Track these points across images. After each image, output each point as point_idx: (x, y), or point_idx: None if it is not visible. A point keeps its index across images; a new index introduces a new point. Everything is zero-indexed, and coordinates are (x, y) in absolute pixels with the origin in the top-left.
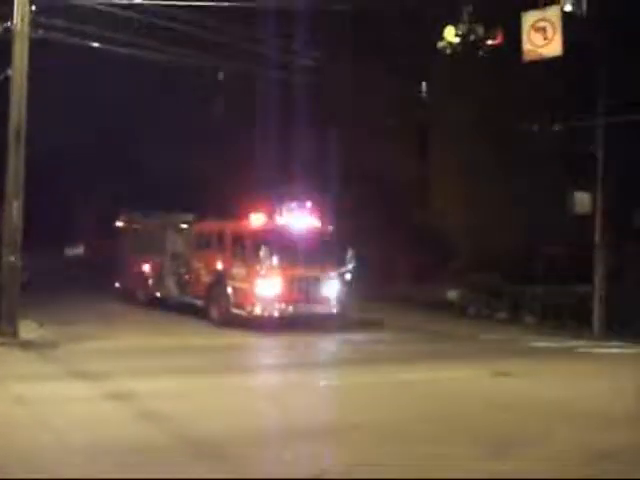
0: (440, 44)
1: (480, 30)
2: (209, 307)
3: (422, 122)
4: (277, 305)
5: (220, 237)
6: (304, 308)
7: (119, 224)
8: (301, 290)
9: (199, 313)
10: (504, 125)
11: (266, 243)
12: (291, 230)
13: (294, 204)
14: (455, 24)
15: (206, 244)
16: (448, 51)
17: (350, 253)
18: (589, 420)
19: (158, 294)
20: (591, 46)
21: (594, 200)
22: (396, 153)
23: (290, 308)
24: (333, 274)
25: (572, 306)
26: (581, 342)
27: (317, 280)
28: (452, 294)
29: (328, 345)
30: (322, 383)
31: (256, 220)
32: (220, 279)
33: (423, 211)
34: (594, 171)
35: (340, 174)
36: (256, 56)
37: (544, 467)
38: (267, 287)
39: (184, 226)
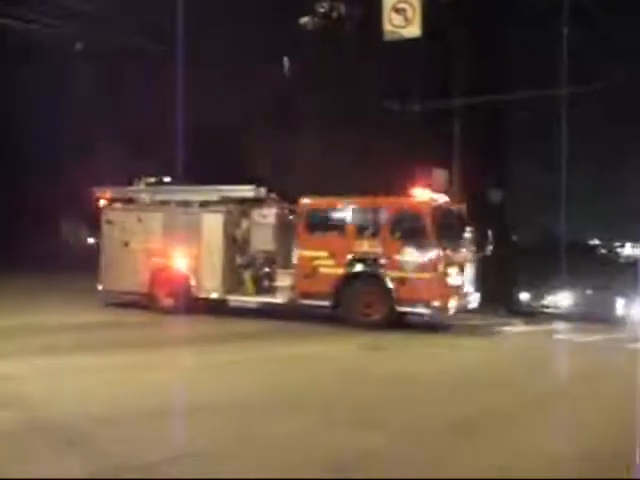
0: (302, 20)
1: (342, 8)
2: (349, 307)
3: (285, 98)
4: (466, 297)
5: (374, 218)
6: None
7: (109, 202)
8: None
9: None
10: (365, 104)
11: (439, 224)
12: (449, 208)
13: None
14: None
15: (331, 227)
16: (310, 27)
17: (490, 234)
18: (451, 391)
19: (207, 295)
20: (450, 29)
21: (451, 178)
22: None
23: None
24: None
25: None
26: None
27: (469, 267)
28: None
29: None
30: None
31: (422, 196)
32: (367, 271)
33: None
34: (451, 151)
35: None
36: None
37: (401, 437)
38: (456, 277)
39: (283, 205)
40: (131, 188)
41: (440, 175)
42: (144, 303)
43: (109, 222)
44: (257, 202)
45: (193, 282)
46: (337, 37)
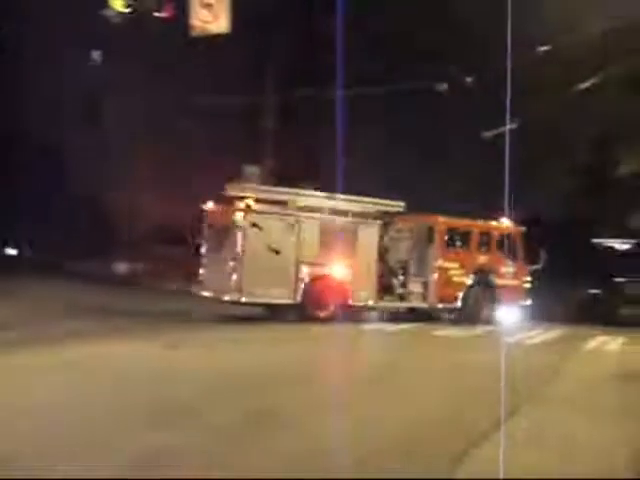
0: (106, 12)
1: (150, 2)
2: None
3: (95, 92)
4: None
5: (487, 238)
6: None
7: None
8: None
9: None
10: (177, 99)
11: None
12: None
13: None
14: None
15: (461, 243)
16: (116, 20)
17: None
18: (251, 389)
19: (361, 303)
20: (267, 23)
21: (264, 173)
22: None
23: None
24: None
25: None
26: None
27: None
28: (123, 267)
29: None
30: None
31: (507, 222)
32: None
33: (98, 184)
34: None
35: None
36: None
37: (199, 438)
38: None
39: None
40: (283, 189)
41: (251, 171)
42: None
43: (254, 226)
44: (394, 215)
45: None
46: (147, 31)
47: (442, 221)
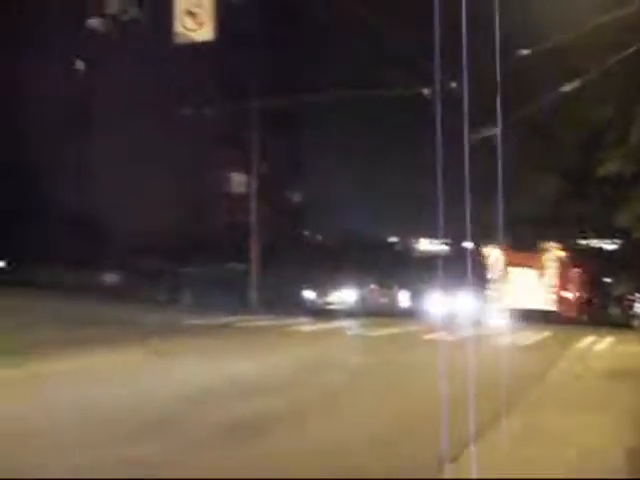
0: (91, 22)
1: (134, 11)
2: None
3: (79, 102)
4: None
5: None
6: None
7: None
8: None
9: None
10: (162, 108)
11: None
12: None
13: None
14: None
15: None
16: (102, 29)
17: None
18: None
19: None
20: (249, 32)
21: (250, 181)
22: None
23: None
24: None
25: (229, 284)
26: (237, 317)
27: None
28: (111, 278)
29: None
30: None
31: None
32: None
33: (79, 196)
34: (250, 154)
35: None
36: None
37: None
38: None
39: None
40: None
41: (238, 179)
42: None
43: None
44: None
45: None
46: (130, 39)
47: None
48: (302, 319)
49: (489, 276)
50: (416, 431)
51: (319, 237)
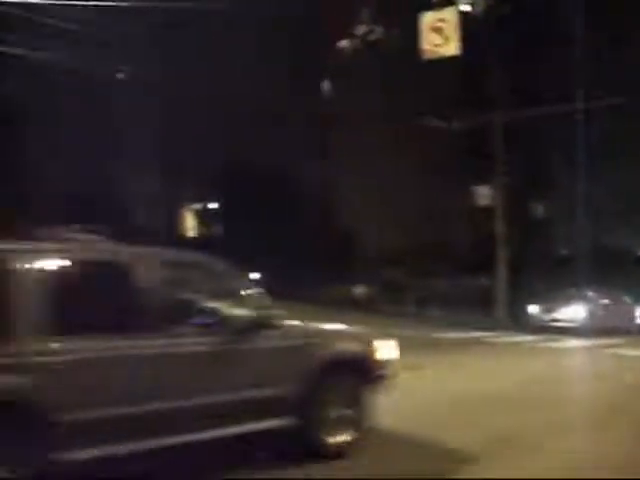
0: (342, 43)
1: (379, 30)
2: None
3: (325, 121)
4: None
5: None
6: None
7: None
8: None
9: None
10: (406, 122)
11: None
12: None
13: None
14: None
15: None
16: (349, 50)
17: None
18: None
19: None
20: (489, 44)
21: (495, 194)
22: (299, 153)
23: None
24: None
25: (476, 298)
26: (486, 333)
27: None
28: (359, 290)
29: None
30: None
31: None
32: None
33: (327, 209)
34: (494, 166)
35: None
36: None
37: None
38: None
39: None
40: None
41: (482, 192)
42: None
43: None
44: None
45: None
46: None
47: None
48: (539, 337)
49: None
50: None
51: (564, 251)
